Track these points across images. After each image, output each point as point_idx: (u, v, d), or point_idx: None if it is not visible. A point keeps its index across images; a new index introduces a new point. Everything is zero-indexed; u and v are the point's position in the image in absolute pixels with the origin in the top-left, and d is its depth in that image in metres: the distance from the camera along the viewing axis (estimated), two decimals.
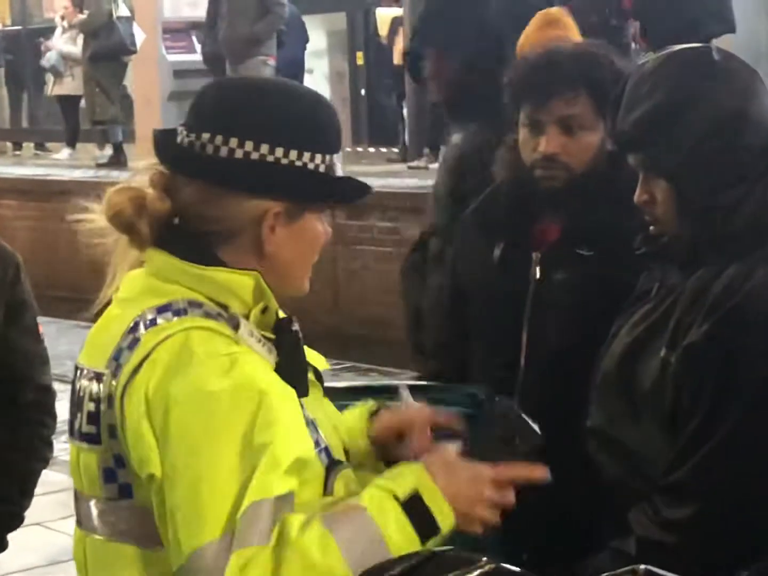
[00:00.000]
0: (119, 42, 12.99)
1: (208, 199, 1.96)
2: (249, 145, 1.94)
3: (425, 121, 12.89)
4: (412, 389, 2.72)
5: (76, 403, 2.01)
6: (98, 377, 1.95)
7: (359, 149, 14.52)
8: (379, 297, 9.51)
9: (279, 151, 1.95)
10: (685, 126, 2.27)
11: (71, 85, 14.33)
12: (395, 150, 13.80)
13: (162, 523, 1.86)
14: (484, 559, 1.77)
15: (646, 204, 2.37)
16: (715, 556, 2.17)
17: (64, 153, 14.69)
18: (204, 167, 1.96)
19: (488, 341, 2.88)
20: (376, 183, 10.51)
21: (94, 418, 1.95)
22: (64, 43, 14.36)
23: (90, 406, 1.95)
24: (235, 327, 1.92)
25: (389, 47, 13.94)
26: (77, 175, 12.66)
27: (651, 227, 2.41)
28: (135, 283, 2.01)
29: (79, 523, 2.03)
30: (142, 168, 2.03)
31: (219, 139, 1.94)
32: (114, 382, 1.91)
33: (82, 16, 13.56)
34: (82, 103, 14.05)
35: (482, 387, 2.64)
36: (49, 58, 14.50)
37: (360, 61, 18.86)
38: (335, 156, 2.01)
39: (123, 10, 13.20)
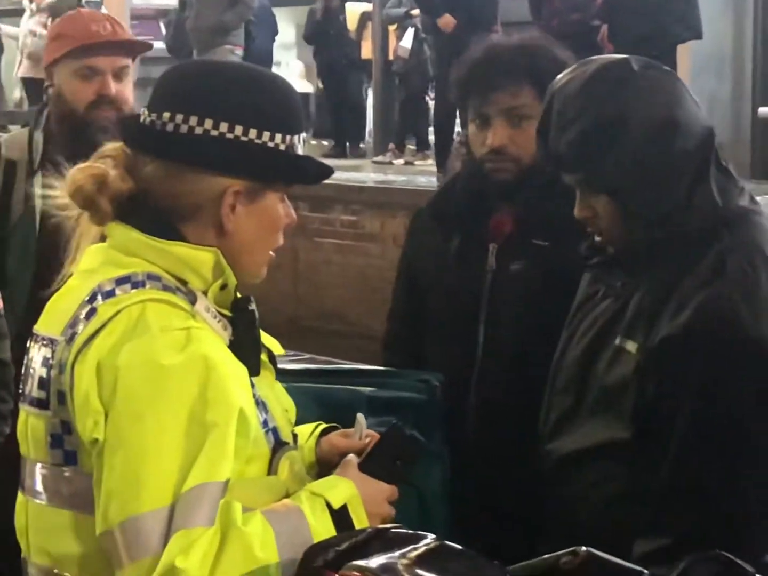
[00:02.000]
0: None
1: (169, 176, 1.97)
2: (209, 123, 1.95)
3: (391, 116, 12.91)
4: (367, 373, 2.76)
5: (27, 368, 2.03)
6: (51, 343, 1.96)
7: (324, 143, 14.49)
8: (339, 290, 9.52)
9: (238, 129, 1.96)
10: (620, 142, 2.28)
11: (38, 68, 14.24)
12: (361, 145, 13.80)
13: (97, 487, 1.86)
14: (430, 535, 1.79)
15: (588, 219, 2.39)
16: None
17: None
18: (164, 145, 1.98)
19: (446, 333, 2.90)
20: (339, 177, 10.52)
21: (44, 383, 1.96)
22: (33, 26, 14.26)
23: (41, 372, 1.97)
24: (192, 301, 1.94)
25: (358, 41, 13.93)
26: None
27: (597, 238, 2.43)
28: (95, 256, 2.02)
29: (22, 488, 2.03)
30: (107, 149, 2.04)
31: (179, 117, 1.96)
32: (67, 350, 1.92)
33: (51, 0, 13.47)
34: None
35: (435, 374, 2.67)
36: (25, 43, 14.37)
37: None
38: (296, 137, 2.01)
39: None
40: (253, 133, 1.97)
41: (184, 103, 1.98)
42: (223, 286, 1.99)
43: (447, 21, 9.62)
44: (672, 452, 2.25)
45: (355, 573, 1.74)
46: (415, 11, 11.93)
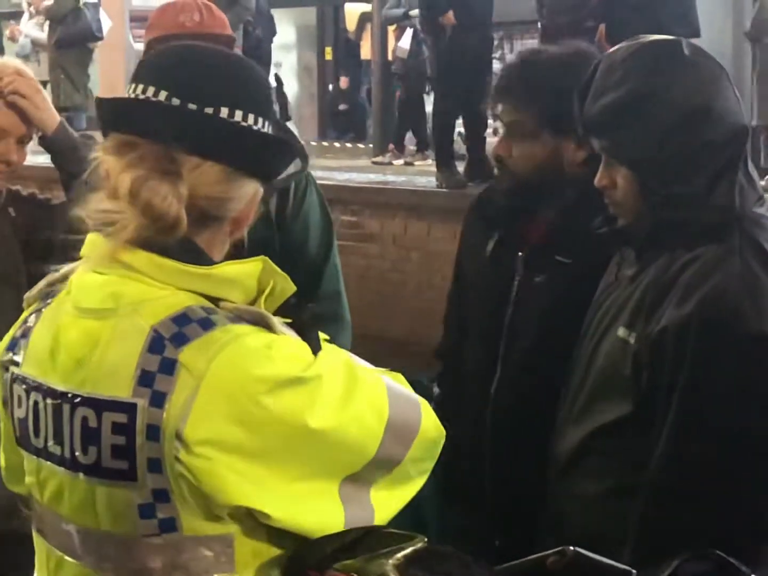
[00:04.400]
0: (86, 29, 12.94)
1: (227, 181, 1.82)
2: (260, 121, 1.84)
3: (390, 117, 12.92)
4: None
5: (60, 432, 1.83)
6: (117, 406, 1.77)
7: (325, 144, 14.51)
8: None
9: (266, 124, 1.86)
10: (650, 117, 2.31)
11: (36, 70, 14.13)
12: (361, 145, 13.81)
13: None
14: (418, 536, 1.78)
15: (606, 188, 2.42)
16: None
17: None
18: (235, 147, 1.82)
19: (475, 333, 2.96)
20: (339, 177, 10.53)
21: (124, 452, 1.76)
22: (31, 29, 14.30)
23: (116, 440, 1.76)
24: (258, 322, 1.81)
25: (357, 42, 13.96)
26: (41, 161, 12.59)
27: (611, 209, 2.46)
28: (105, 291, 1.82)
29: (79, 557, 1.87)
30: (139, 149, 1.80)
31: (239, 114, 1.81)
32: (158, 413, 1.73)
33: (49, 2, 13.50)
34: (47, 89, 14.00)
35: (426, 373, 2.67)
36: (23, 47, 14.41)
37: (329, 56, 18.89)
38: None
39: None
40: (270, 127, 1.88)
41: (239, 96, 1.82)
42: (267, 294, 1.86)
43: (449, 18, 9.63)
44: (661, 447, 2.25)
45: (341, 574, 1.73)
46: (414, 12, 11.94)
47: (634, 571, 1.75)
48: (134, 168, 1.78)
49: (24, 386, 1.88)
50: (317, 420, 1.76)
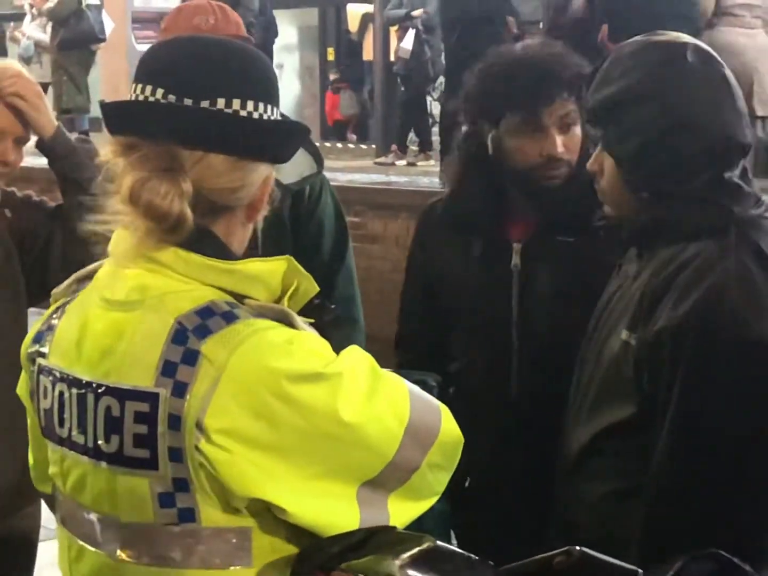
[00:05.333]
0: (88, 30, 12.95)
1: (234, 170, 1.84)
2: (261, 107, 1.85)
3: (393, 117, 12.91)
4: None
5: (87, 420, 1.85)
6: (140, 396, 1.79)
7: (327, 144, 14.52)
8: None
9: (275, 111, 1.89)
10: (639, 119, 2.32)
11: (39, 72, 14.25)
12: (364, 146, 13.81)
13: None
14: (424, 537, 1.78)
15: (595, 173, 2.45)
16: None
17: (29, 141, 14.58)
18: (236, 136, 1.83)
19: (479, 335, 2.96)
20: (342, 178, 10.53)
21: (146, 441, 1.79)
22: (33, 31, 14.30)
23: (137, 429, 1.79)
24: (280, 319, 1.83)
25: (359, 43, 13.96)
26: (43, 162, 12.59)
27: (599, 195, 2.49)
28: (131, 284, 1.85)
29: (99, 546, 1.90)
30: (137, 149, 1.82)
31: (236, 102, 1.83)
32: (179, 403, 1.76)
33: (51, 4, 13.51)
34: (49, 90, 14.00)
35: (431, 374, 2.67)
36: (26, 48, 14.41)
37: (331, 57, 18.89)
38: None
39: None
40: (276, 112, 1.89)
41: (234, 86, 1.84)
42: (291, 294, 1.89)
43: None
44: (660, 449, 2.25)
45: (347, 574, 1.74)
46: (416, 12, 11.94)
47: (640, 570, 1.75)
48: (136, 170, 1.81)
49: (50, 377, 1.91)
50: (337, 417, 1.77)
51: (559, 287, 2.84)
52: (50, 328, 1.95)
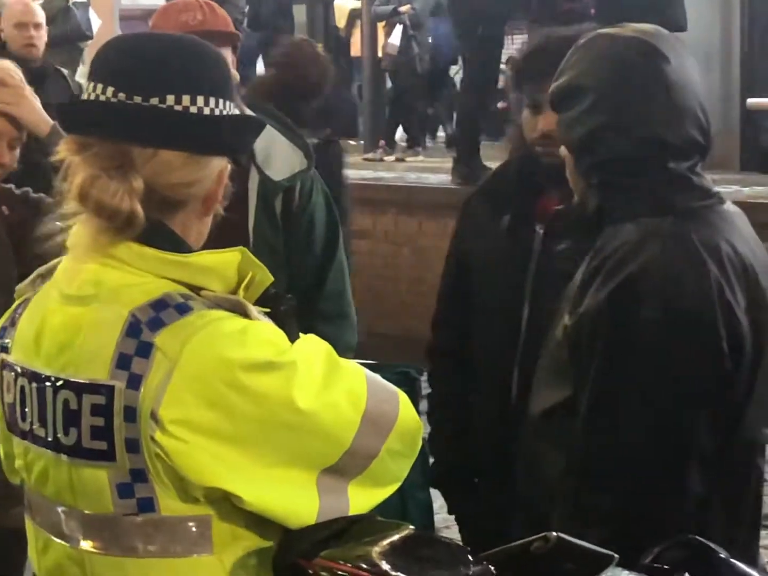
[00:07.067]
0: (75, 28, 12.92)
1: (186, 165, 1.86)
2: (212, 102, 1.87)
3: (381, 113, 12.92)
4: None
5: (42, 415, 1.88)
6: (96, 389, 1.82)
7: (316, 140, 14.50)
8: None
9: (227, 105, 1.90)
10: (580, 109, 2.37)
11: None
12: (352, 142, 13.81)
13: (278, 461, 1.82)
14: (405, 524, 1.81)
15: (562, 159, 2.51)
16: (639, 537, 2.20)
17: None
18: (186, 132, 1.85)
19: (493, 308, 3.04)
20: None
21: (103, 433, 1.82)
22: None
23: (95, 421, 1.82)
24: (236, 310, 1.84)
25: (347, 39, 13.95)
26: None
27: None
28: (87, 278, 1.87)
29: (64, 537, 1.92)
30: (88, 147, 1.84)
31: (186, 99, 1.84)
32: (134, 395, 1.79)
33: (38, 2, 13.47)
34: None
35: (415, 366, 2.70)
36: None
37: None
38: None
39: None
40: (229, 106, 1.91)
41: (183, 82, 1.85)
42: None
43: None
44: (578, 431, 2.29)
45: (329, 562, 1.76)
46: (404, 8, 11.96)
47: (616, 555, 1.78)
48: (86, 168, 1.84)
49: (12, 372, 1.94)
50: (292, 406, 1.79)
51: (574, 273, 2.86)
52: (13, 323, 1.98)
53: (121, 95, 1.85)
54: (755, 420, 2.37)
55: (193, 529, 1.84)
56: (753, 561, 2.34)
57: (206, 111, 1.87)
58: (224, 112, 1.89)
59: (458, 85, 11.63)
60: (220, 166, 1.91)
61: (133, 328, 1.81)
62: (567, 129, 2.41)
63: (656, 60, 2.37)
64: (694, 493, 2.27)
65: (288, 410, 1.79)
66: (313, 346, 1.88)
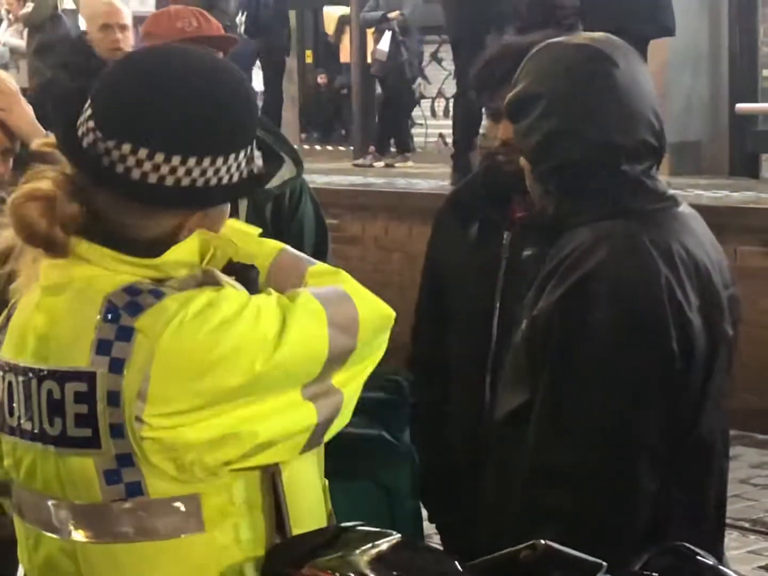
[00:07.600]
0: (64, 35, 12.92)
1: (128, 210, 1.88)
2: (175, 159, 1.85)
3: (371, 119, 12.93)
4: None
5: (28, 407, 1.90)
6: (78, 376, 1.84)
7: (306, 147, 14.52)
8: None
9: (206, 161, 1.87)
10: (533, 116, 2.39)
11: (16, 78, 14.15)
12: (342, 148, 13.83)
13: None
14: (393, 533, 1.81)
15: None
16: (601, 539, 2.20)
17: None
18: (128, 187, 1.87)
19: (464, 316, 3.05)
20: (320, 180, 10.55)
21: (87, 420, 1.84)
22: (10, 37, 14.25)
23: (78, 409, 1.84)
24: (210, 282, 1.89)
25: (336, 45, 13.97)
26: None
27: None
28: (59, 270, 1.91)
29: (55, 530, 1.93)
30: (42, 170, 1.94)
31: (143, 152, 1.84)
32: (117, 379, 1.82)
33: (27, 9, 13.46)
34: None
35: (403, 372, 2.70)
36: (2, 54, 14.35)
37: (309, 59, 18.86)
38: (241, 151, 1.92)
39: (68, 3, 13.12)
40: (232, 159, 1.89)
41: (140, 133, 1.84)
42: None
43: None
44: (531, 431, 2.30)
45: (318, 571, 1.76)
46: (392, 14, 11.96)
47: (605, 563, 1.78)
48: (32, 185, 1.89)
49: (1, 372, 1.96)
50: (265, 346, 1.83)
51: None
52: (5, 324, 2.01)
53: (98, 134, 1.87)
54: (713, 420, 2.38)
55: (182, 508, 1.86)
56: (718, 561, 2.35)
57: (194, 175, 1.86)
58: (220, 170, 1.88)
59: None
60: (179, 219, 1.91)
61: (110, 314, 1.84)
62: (523, 137, 2.43)
63: (606, 65, 2.39)
64: (648, 492, 2.27)
65: (264, 351, 1.83)
66: (262, 295, 1.92)
